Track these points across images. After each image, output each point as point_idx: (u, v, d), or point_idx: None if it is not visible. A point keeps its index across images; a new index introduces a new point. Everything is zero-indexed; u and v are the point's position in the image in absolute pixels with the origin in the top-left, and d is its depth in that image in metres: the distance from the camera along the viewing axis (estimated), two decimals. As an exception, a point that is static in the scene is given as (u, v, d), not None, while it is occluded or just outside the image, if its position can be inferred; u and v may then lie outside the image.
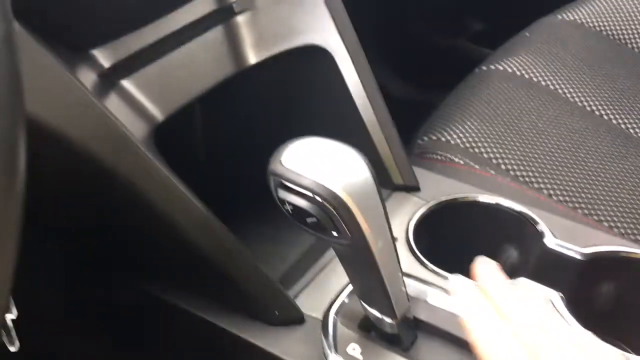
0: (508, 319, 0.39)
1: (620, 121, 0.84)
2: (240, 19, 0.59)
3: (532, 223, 0.56)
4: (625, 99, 0.86)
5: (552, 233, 0.55)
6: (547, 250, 0.55)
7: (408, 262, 0.55)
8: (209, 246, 0.45)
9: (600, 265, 0.53)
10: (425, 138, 0.81)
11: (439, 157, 0.76)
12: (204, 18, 0.57)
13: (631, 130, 0.83)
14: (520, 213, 0.57)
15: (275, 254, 0.59)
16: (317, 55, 0.61)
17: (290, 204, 0.40)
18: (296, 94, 0.64)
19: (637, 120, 0.84)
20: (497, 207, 0.58)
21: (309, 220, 0.40)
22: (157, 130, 0.51)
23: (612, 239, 0.55)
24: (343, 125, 0.63)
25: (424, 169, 0.76)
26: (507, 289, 0.41)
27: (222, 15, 0.59)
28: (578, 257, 0.54)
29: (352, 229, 0.40)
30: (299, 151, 0.40)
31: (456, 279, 0.43)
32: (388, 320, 0.47)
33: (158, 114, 0.52)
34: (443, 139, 0.79)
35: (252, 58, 0.60)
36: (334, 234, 0.41)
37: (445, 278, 0.53)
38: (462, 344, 0.49)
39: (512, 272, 0.59)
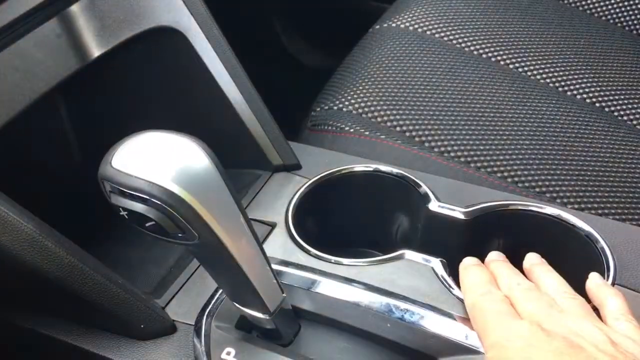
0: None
1: (517, 65, 0.82)
2: (77, 7, 0.54)
3: (414, 186, 0.53)
4: (520, 42, 0.84)
5: (435, 195, 0.52)
6: (431, 214, 0.52)
7: (287, 249, 0.51)
8: (42, 264, 0.41)
9: (485, 221, 0.51)
10: (318, 109, 0.77)
11: (330, 128, 0.72)
12: (34, 10, 0.51)
13: (529, 73, 0.81)
14: (401, 177, 0.54)
15: (146, 263, 0.54)
16: (170, 37, 0.56)
17: (125, 209, 0.36)
18: (154, 80, 0.59)
19: (532, 63, 0.81)
20: (376, 174, 0.55)
21: (148, 224, 0.36)
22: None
23: (496, 193, 0.52)
24: (209, 110, 0.58)
25: (315, 141, 0.72)
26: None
27: (56, 6, 0.53)
28: (461, 216, 0.51)
29: (197, 227, 0.36)
30: (131, 150, 0.36)
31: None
32: (262, 316, 0.44)
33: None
34: (335, 107, 0.75)
35: (96, 50, 0.54)
36: (180, 235, 0.37)
37: (329, 261, 0.50)
38: (346, 329, 0.46)
39: (405, 241, 0.57)
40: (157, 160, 0.35)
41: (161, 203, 0.35)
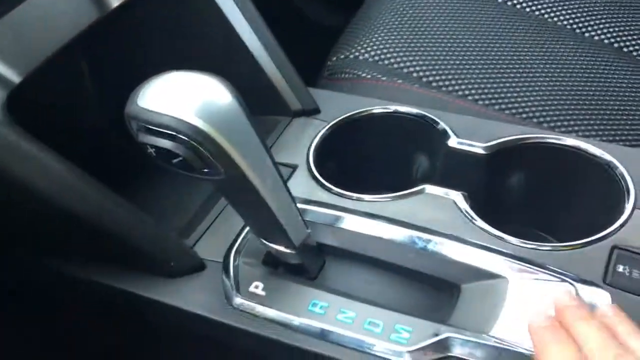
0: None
1: (534, 8, 0.81)
2: (94, -42, 0.54)
3: (433, 124, 0.54)
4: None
5: (455, 132, 0.53)
6: (451, 150, 0.52)
7: (310, 188, 0.52)
8: (76, 205, 0.42)
9: (505, 156, 0.51)
10: (334, 58, 0.77)
11: (347, 76, 0.72)
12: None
13: (545, 16, 0.80)
14: (419, 116, 0.54)
15: (174, 207, 0.56)
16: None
17: (152, 146, 0.37)
18: (175, 31, 0.59)
19: (549, 5, 0.80)
20: (395, 115, 0.55)
21: (175, 160, 0.37)
22: (18, 93, 0.47)
23: (516, 128, 0.53)
24: (228, 57, 0.59)
25: (333, 90, 0.72)
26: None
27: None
28: (481, 151, 0.51)
29: (223, 163, 0.37)
30: (157, 89, 0.36)
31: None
32: (288, 251, 0.45)
33: (13, 76, 0.48)
34: (351, 56, 0.75)
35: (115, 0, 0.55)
36: (206, 170, 0.38)
37: (351, 198, 0.51)
38: (370, 262, 0.47)
39: (425, 179, 0.57)
40: (182, 98, 0.36)
41: (187, 138, 0.35)
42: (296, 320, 0.43)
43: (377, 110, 0.56)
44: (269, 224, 0.43)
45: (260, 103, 0.60)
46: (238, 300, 0.45)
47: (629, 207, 0.45)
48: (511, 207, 0.55)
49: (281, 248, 0.45)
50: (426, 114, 0.54)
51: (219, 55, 0.59)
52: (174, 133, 0.36)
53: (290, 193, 0.43)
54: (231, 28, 0.57)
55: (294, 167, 0.55)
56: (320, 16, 1.26)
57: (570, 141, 0.49)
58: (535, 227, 0.55)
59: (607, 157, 0.47)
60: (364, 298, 0.44)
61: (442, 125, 0.54)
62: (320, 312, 0.44)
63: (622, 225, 0.44)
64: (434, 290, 0.45)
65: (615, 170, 0.47)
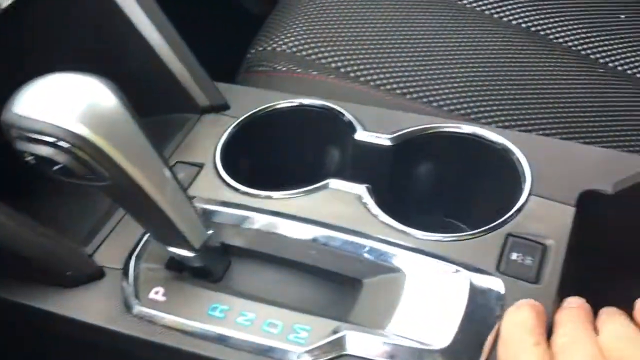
0: None
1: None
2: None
3: (339, 116, 0.53)
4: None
5: (361, 123, 0.52)
6: (358, 143, 0.52)
7: (216, 188, 0.51)
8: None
9: (410, 147, 0.51)
10: (253, 51, 0.76)
11: (263, 69, 0.71)
12: None
13: (464, 2, 0.80)
14: (324, 108, 0.53)
15: (75, 215, 0.54)
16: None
17: (30, 154, 0.35)
18: (66, 28, 0.57)
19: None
20: (301, 109, 0.54)
21: (55, 167, 0.35)
22: None
23: (421, 118, 0.52)
24: (129, 55, 0.57)
25: (250, 83, 0.71)
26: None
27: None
28: (387, 142, 0.51)
29: (106, 168, 0.36)
30: (33, 93, 0.35)
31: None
32: (188, 254, 0.44)
33: None
34: (269, 48, 0.74)
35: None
36: (90, 176, 0.36)
37: (259, 197, 0.50)
38: (275, 261, 0.47)
39: (337, 172, 0.57)
40: (60, 102, 0.34)
41: (65, 144, 0.34)
42: (195, 326, 0.42)
43: (283, 104, 0.55)
44: (165, 228, 0.42)
45: (166, 100, 0.59)
46: (137, 307, 0.44)
47: (524, 193, 0.45)
48: (423, 197, 0.55)
49: (181, 251, 0.44)
50: (332, 105, 0.54)
51: (119, 53, 0.57)
52: (51, 139, 0.34)
53: (186, 194, 0.42)
54: (130, 24, 0.55)
55: (200, 166, 0.53)
56: (251, 4, 1.24)
57: (467, 128, 0.49)
58: (451, 216, 0.55)
59: (504, 142, 0.48)
60: (265, 298, 0.44)
61: (348, 116, 0.53)
62: (220, 315, 0.43)
63: (517, 212, 0.44)
64: (337, 287, 0.45)
65: (512, 156, 0.47)
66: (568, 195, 0.44)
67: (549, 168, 0.46)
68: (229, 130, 0.55)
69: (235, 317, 0.42)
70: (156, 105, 0.60)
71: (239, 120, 0.55)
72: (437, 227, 0.47)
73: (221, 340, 0.42)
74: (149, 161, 0.38)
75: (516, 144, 0.47)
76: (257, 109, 0.55)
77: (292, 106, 0.55)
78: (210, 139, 0.55)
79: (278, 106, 0.55)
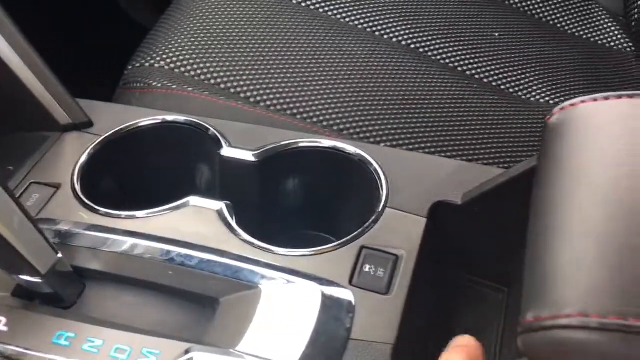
0: None
1: (335, 12, 0.82)
2: None
3: (204, 132, 0.52)
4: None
5: (227, 139, 0.52)
6: (224, 159, 0.51)
7: (72, 209, 0.49)
8: None
9: (275, 162, 0.50)
10: (130, 67, 0.74)
11: (139, 85, 0.69)
12: None
13: (347, 19, 0.81)
14: (189, 124, 0.52)
15: None
16: None
17: None
18: None
19: (348, 9, 0.82)
20: (166, 125, 0.53)
21: None
22: None
23: (288, 134, 0.52)
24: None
25: (124, 101, 0.69)
26: None
27: None
28: (252, 159, 0.50)
29: None
30: None
31: None
32: (34, 279, 0.41)
33: None
34: (147, 64, 0.72)
35: None
36: None
37: (120, 217, 0.48)
38: (132, 283, 0.45)
39: (206, 189, 0.56)
40: None
41: None
42: (39, 356, 0.40)
43: (146, 121, 0.53)
44: (6, 253, 0.39)
45: (26, 119, 0.56)
46: (-25, 339, 0.41)
47: (380, 205, 0.45)
48: (290, 212, 0.54)
49: (27, 277, 0.41)
50: (196, 121, 0.53)
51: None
52: None
53: (29, 216, 0.39)
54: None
55: (56, 187, 0.51)
56: (141, 17, 1.22)
57: (327, 142, 0.49)
58: (319, 230, 0.55)
59: (363, 155, 0.48)
60: (117, 323, 0.42)
61: (213, 132, 0.52)
62: (66, 343, 0.40)
63: (373, 224, 0.44)
64: (195, 307, 0.43)
65: (371, 169, 0.47)
66: (421, 206, 0.45)
67: (404, 180, 0.46)
68: (89, 149, 0.53)
69: (81, 344, 0.40)
70: (15, 124, 0.57)
71: (100, 138, 0.53)
72: (306, 241, 0.47)
73: (66, 369, 0.39)
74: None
75: (374, 157, 0.48)
76: (120, 127, 0.54)
77: (155, 123, 0.53)
78: (69, 158, 0.53)
79: (142, 123, 0.53)
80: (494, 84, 0.79)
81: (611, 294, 0.25)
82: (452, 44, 0.81)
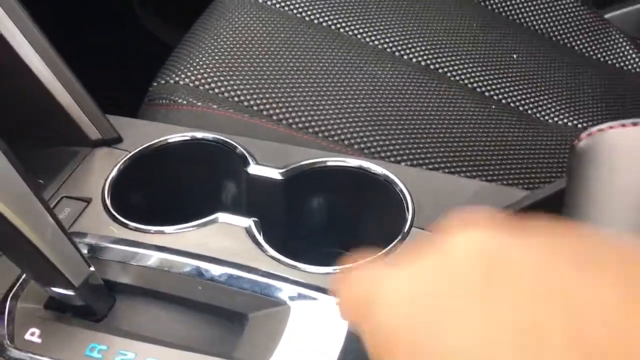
0: None
1: (355, 32, 0.83)
2: None
3: (232, 150, 0.53)
4: (357, 8, 0.86)
5: (254, 157, 0.53)
6: (251, 176, 0.52)
7: (102, 223, 0.50)
8: None
9: (301, 181, 0.51)
10: (155, 84, 0.75)
11: (164, 102, 0.71)
12: None
13: (367, 39, 0.82)
14: (216, 141, 0.54)
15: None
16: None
17: None
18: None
19: (369, 29, 0.83)
20: (194, 142, 0.54)
21: None
22: None
23: (313, 152, 0.53)
24: (15, 86, 0.55)
25: (150, 117, 0.70)
26: None
27: None
28: (278, 177, 0.51)
29: None
30: None
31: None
32: (68, 292, 0.42)
33: None
34: (172, 81, 0.74)
35: None
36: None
37: (149, 232, 0.49)
38: (161, 297, 0.46)
39: (233, 206, 0.56)
40: None
41: None
42: (72, 368, 0.41)
43: (175, 138, 0.55)
44: (41, 265, 0.40)
45: (57, 133, 0.58)
46: (11, 350, 0.42)
47: (407, 225, 0.46)
48: (316, 230, 0.55)
49: (60, 290, 0.42)
50: (224, 138, 0.54)
51: (4, 86, 0.55)
52: None
53: (63, 229, 0.40)
54: (16, 56, 0.54)
55: (87, 201, 0.52)
56: (165, 35, 1.24)
57: (353, 162, 0.50)
58: (344, 248, 0.56)
59: (388, 175, 0.49)
60: (148, 337, 0.42)
61: (241, 150, 0.53)
62: (98, 356, 0.41)
63: (399, 243, 0.45)
64: (224, 322, 0.44)
65: (396, 188, 0.48)
66: (447, 226, 0.45)
67: (429, 200, 0.47)
68: (119, 164, 0.54)
69: (113, 356, 0.41)
70: (45, 138, 0.58)
71: (130, 154, 0.55)
72: (331, 259, 0.47)
73: (98, 381, 0.40)
74: (18, 195, 0.37)
75: (399, 177, 0.48)
76: (149, 143, 0.55)
77: (184, 140, 0.54)
78: (100, 173, 0.54)
79: (170, 140, 0.55)
80: (512, 105, 0.80)
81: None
82: (471, 65, 0.82)
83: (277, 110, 0.69)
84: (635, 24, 0.90)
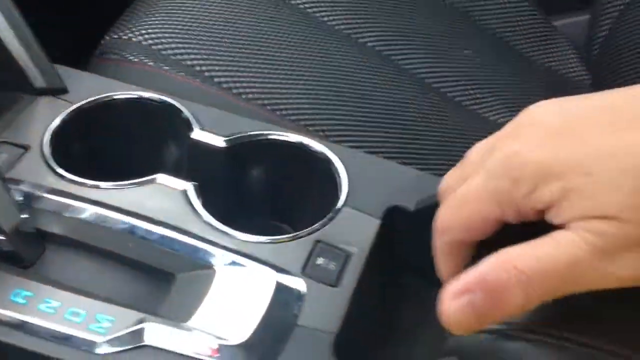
0: None
1: (315, 10, 0.84)
2: None
3: (177, 113, 0.54)
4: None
5: (199, 122, 0.53)
6: (194, 142, 0.53)
7: (40, 172, 0.50)
8: None
9: (243, 150, 0.52)
10: (108, 37, 0.74)
11: (115, 57, 0.70)
12: None
13: (325, 19, 0.83)
14: (163, 102, 0.54)
15: None
16: None
17: None
18: None
19: (328, 7, 0.84)
20: (140, 101, 0.54)
21: None
22: None
23: (259, 124, 0.54)
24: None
25: (100, 70, 0.70)
26: None
27: None
28: (222, 144, 0.52)
29: None
30: None
31: None
32: (-2, 236, 0.42)
33: None
34: (125, 37, 0.73)
35: None
36: None
37: (85, 185, 0.49)
38: (92, 250, 0.46)
39: (173, 169, 0.57)
40: None
41: None
42: (-4, 312, 0.41)
43: (121, 95, 0.55)
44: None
45: (0, 78, 0.57)
46: None
47: (339, 203, 0.48)
48: (253, 200, 0.56)
49: (-11, 233, 0.43)
50: (171, 101, 0.54)
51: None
52: None
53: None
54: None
55: (26, 148, 0.52)
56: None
57: (295, 137, 0.52)
58: (279, 220, 0.58)
59: (327, 153, 0.51)
60: (74, 287, 0.43)
61: (186, 114, 0.54)
62: (23, 301, 0.42)
63: (329, 220, 0.47)
64: (152, 280, 0.45)
65: (333, 167, 0.50)
66: (376, 208, 0.47)
67: (364, 182, 0.49)
68: (62, 115, 0.54)
69: (38, 304, 0.42)
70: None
71: (74, 106, 0.54)
72: (266, 230, 0.49)
73: (22, 327, 0.41)
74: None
75: (338, 157, 0.50)
76: (95, 97, 0.55)
77: (130, 97, 0.55)
78: (41, 121, 0.54)
79: (116, 96, 0.55)
80: (456, 99, 0.83)
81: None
82: (422, 56, 0.84)
83: (229, 79, 0.70)
84: (582, 33, 0.94)
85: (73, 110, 0.54)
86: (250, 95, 0.68)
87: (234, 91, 0.69)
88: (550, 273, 0.25)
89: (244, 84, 0.69)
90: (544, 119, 0.27)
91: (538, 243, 0.26)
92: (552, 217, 0.26)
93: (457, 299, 0.27)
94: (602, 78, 0.88)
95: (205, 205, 0.49)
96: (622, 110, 0.26)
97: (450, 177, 0.32)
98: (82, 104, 0.55)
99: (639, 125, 0.24)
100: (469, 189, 0.29)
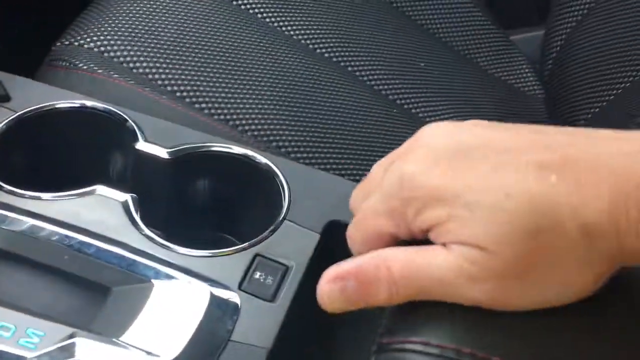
0: None
1: (273, 19, 0.84)
2: None
3: (122, 123, 0.53)
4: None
5: (143, 133, 0.53)
6: (138, 152, 0.52)
7: (-24, 182, 0.49)
8: None
9: (188, 162, 0.52)
10: (59, 43, 0.73)
11: (65, 64, 0.69)
12: None
13: (283, 29, 0.83)
14: (107, 112, 0.53)
15: None
16: None
17: None
18: None
19: (286, 17, 0.84)
20: (84, 111, 0.54)
21: None
22: None
23: (205, 136, 0.54)
24: None
25: (49, 79, 0.69)
26: None
27: None
28: (165, 156, 0.52)
29: None
30: None
31: None
32: None
33: None
34: (76, 43, 0.72)
35: None
36: None
37: (24, 197, 0.48)
38: (27, 263, 0.45)
39: (117, 180, 0.56)
40: None
41: None
42: None
43: (64, 103, 0.54)
44: None
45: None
46: None
47: (280, 217, 0.48)
48: (198, 212, 0.56)
49: None
50: (115, 110, 0.54)
51: None
52: None
53: None
54: None
55: (-41, 161, 0.51)
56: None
57: (239, 149, 0.52)
58: (225, 232, 0.57)
59: (271, 166, 0.51)
60: (5, 302, 0.42)
61: (131, 124, 0.53)
62: (-53, 309, 0.41)
63: (270, 234, 0.47)
64: (87, 293, 0.44)
65: (277, 180, 0.50)
66: (316, 223, 0.48)
67: (306, 195, 0.49)
68: (3, 123, 0.53)
69: (-34, 316, 0.41)
70: None
71: (14, 115, 0.53)
72: (208, 243, 0.49)
73: (-53, 342, 0.40)
74: None
75: (281, 170, 0.50)
76: (37, 106, 0.54)
77: (73, 106, 0.54)
78: (-21, 130, 0.53)
79: (58, 105, 0.54)
80: (413, 110, 0.83)
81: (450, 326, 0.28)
82: (379, 67, 0.85)
83: (181, 88, 0.69)
84: (537, 48, 0.96)
85: (14, 119, 0.53)
86: (201, 106, 0.68)
87: (186, 100, 0.68)
88: (416, 282, 0.28)
89: (197, 94, 0.69)
90: (437, 142, 0.29)
91: (419, 251, 0.28)
92: (435, 237, 0.28)
93: (332, 283, 0.31)
94: (554, 92, 0.90)
95: (149, 217, 0.49)
96: (508, 147, 0.27)
97: (357, 193, 0.34)
98: (24, 113, 0.54)
99: (518, 165, 0.26)
100: (368, 206, 0.31)
